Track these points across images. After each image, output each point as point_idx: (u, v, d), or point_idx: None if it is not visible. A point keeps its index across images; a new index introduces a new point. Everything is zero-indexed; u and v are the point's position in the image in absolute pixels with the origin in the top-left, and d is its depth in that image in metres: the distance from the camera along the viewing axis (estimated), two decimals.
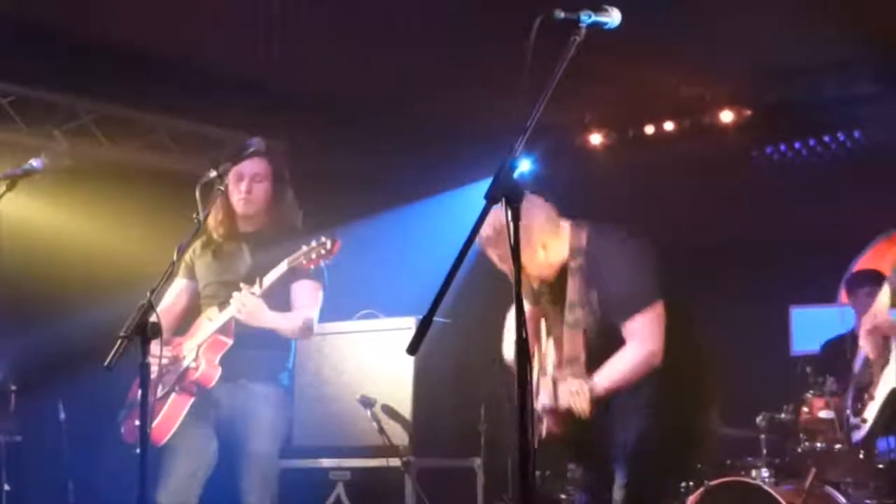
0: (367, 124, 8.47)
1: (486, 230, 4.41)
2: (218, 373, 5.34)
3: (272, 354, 5.51)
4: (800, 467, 6.67)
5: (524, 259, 4.57)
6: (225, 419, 5.45)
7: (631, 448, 4.62)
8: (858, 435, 4.88)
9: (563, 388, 4.60)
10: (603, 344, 4.57)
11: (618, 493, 4.67)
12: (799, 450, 6.72)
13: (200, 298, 5.65)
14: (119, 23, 7.35)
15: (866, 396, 4.98)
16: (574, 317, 4.62)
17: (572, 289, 4.62)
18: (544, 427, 4.74)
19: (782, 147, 9.07)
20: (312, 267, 5.18)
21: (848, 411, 5.33)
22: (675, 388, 4.61)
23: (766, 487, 6.49)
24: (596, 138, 9.60)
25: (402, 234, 9.00)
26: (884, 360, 4.65)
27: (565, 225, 4.67)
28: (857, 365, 5.78)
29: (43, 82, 7.96)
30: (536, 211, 4.61)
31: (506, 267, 4.73)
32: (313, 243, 5.13)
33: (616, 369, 4.55)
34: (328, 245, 5.11)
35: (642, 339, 4.50)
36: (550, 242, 4.62)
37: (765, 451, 6.83)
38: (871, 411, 4.65)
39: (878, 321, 5.50)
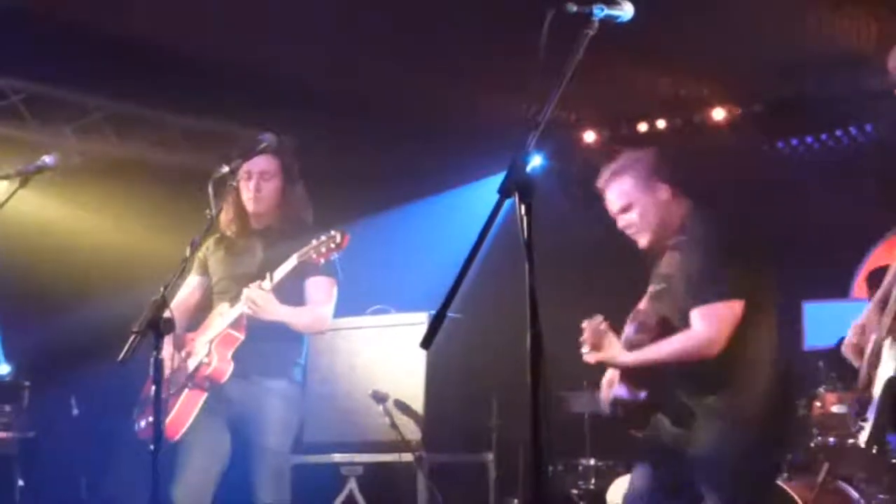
0: (378, 121, 8.47)
1: (617, 205, 4.69)
2: (230, 368, 5.34)
3: (284, 349, 5.51)
4: (812, 462, 6.66)
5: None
6: (237, 414, 5.45)
7: (713, 465, 4.57)
8: (863, 437, 4.84)
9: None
10: (674, 323, 4.58)
11: None
12: (812, 444, 6.70)
13: (213, 294, 5.66)
14: (130, 20, 7.35)
15: (866, 397, 4.95)
16: (658, 288, 4.69)
17: (667, 262, 4.69)
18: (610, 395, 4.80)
19: (794, 141, 9.05)
20: (322, 261, 5.17)
21: (852, 413, 5.29)
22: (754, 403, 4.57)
23: (778, 482, 6.48)
24: (605, 134, 9.59)
25: (413, 230, 9.00)
26: (876, 360, 4.62)
27: (684, 201, 4.76)
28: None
29: (54, 80, 7.98)
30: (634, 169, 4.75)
31: (642, 240, 4.77)
32: (323, 237, 5.12)
33: (665, 345, 4.55)
34: (337, 238, 5.11)
35: (704, 325, 4.45)
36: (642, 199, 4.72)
37: None
38: (871, 411, 4.63)
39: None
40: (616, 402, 4.77)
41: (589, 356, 4.71)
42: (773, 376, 4.65)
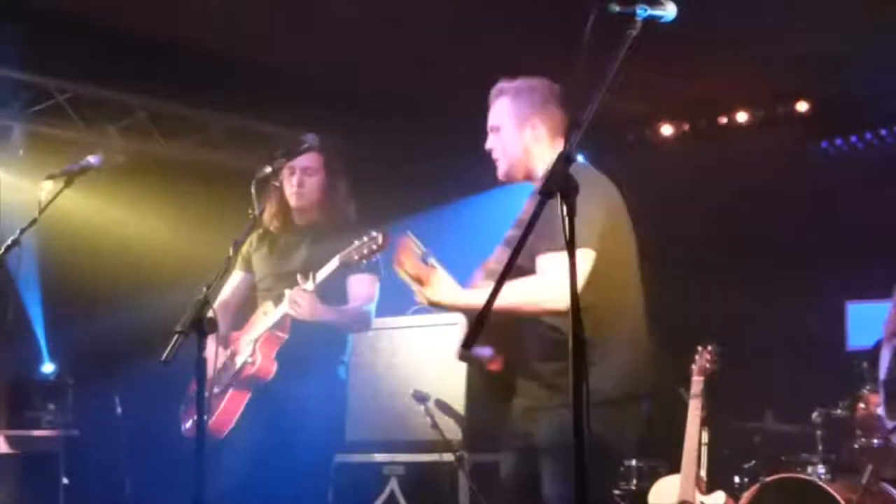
0: (425, 118, 8.48)
1: (490, 123, 4.47)
2: (275, 367, 5.37)
3: (329, 348, 5.53)
4: (856, 463, 6.61)
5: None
6: (282, 413, 5.47)
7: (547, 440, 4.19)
8: None
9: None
10: (525, 271, 4.12)
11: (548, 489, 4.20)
12: (855, 446, 6.65)
13: (257, 291, 5.69)
14: (174, 21, 7.40)
15: None
16: (512, 234, 4.33)
17: (526, 209, 4.34)
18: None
19: (838, 141, 9.00)
20: (364, 262, 5.19)
21: (881, 414, 5.26)
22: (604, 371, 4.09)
23: (821, 484, 6.45)
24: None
25: (455, 229, 8.98)
26: None
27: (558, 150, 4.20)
28: (883, 369, 5.70)
29: (99, 80, 8.04)
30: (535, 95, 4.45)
31: (499, 168, 4.50)
32: (364, 238, 5.13)
33: (505, 286, 3.95)
34: (379, 240, 5.12)
35: (550, 271, 4.01)
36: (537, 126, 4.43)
37: (820, 447, 6.79)
38: None
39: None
40: (462, 358, 4.36)
41: (419, 295, 4.18)
42: (634, 352, 4.25)
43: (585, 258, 4.02)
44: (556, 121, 4.45)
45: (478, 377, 4.35)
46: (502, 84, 4.55)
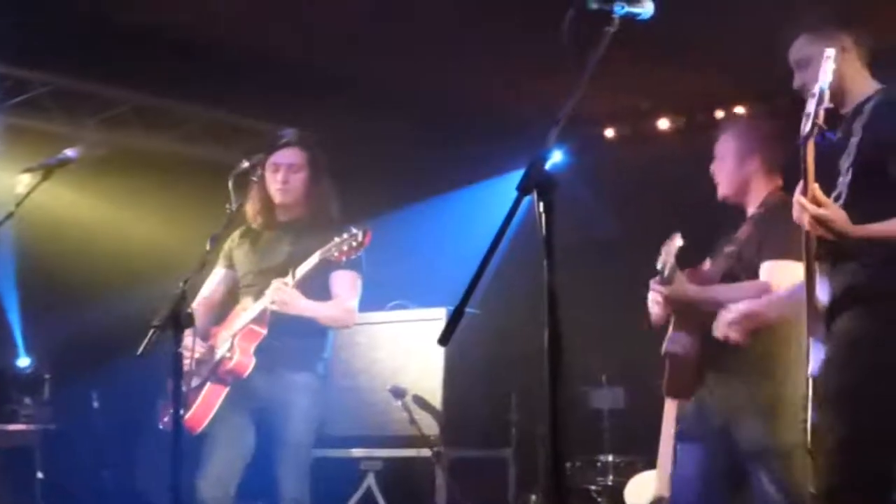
0: (401, 115, 8.47)
1: (715, 151, 4.95)
2: (252, 362, 5.36)
3: (309, 344, 5.52)
4: None
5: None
6: (262, 407, 5.47)
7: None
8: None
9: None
10: (736, 278, 4.71)
11: None
12: None
13: (240, 287, 5.68)
14: (154, 12, 7.37)
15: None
16: (730, 250, 4.80)
17: (743, 230, 4.81)
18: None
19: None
20: (344, 259, 5.19)
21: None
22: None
23: None
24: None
25: (433, 226, 9.00)
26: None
27: (772, 179, 4.87)
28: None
29: (80, 72, 8.00)
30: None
31: (719, 189, 4.95)
32: (345, 235, 5.14)
33: (733, 287, 4.67)
34: (360, 237, 5.12)
35: (773, 278, 4.56)
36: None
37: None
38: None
39: None
40: (666, 356, 4.80)
41: (656, 294, 4.78)
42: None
43: (800, 271, 4.38)
44: (767, 151, 4.88)
45: (671, 368, 4.79)
46: (739, 122, 5.32)
